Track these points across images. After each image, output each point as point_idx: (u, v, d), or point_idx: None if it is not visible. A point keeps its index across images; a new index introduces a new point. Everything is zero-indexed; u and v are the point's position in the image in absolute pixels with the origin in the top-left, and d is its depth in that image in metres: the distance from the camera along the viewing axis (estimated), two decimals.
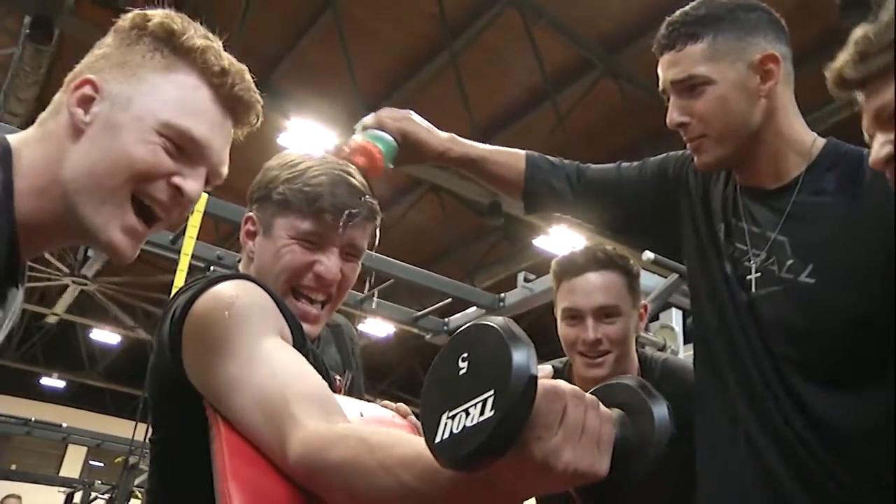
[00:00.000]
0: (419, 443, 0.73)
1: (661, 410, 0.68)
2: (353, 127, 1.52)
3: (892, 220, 1.19)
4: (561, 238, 8.19)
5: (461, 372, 0.65)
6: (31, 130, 0.94)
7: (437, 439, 0.65)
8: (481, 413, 0.61)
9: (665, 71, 1.39)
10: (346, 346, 1.44)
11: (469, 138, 1.70)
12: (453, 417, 0.63)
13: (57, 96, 0.94)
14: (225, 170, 0.99)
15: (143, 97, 0.91)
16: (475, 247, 9.88)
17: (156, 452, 1.11)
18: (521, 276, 3.68)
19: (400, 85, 8.01)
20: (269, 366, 0.94)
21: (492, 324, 0.65)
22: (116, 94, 0.91)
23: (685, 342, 3.35)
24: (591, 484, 0.67)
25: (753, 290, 1.35)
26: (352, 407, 1.02)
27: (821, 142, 1.38)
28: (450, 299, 4.09)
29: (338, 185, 1.19)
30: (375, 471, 0.78)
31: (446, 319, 4.36)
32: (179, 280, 2.99)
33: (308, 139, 6.97)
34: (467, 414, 0.62)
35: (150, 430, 1.15)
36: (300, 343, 1.07)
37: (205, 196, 3.12)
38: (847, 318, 1.24)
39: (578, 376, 1.76)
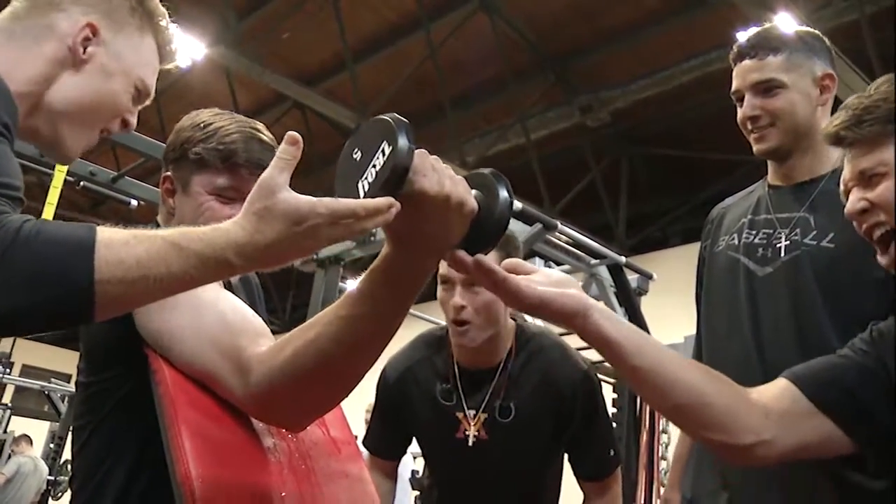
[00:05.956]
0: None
1: (502, 190, 0.92)
2: None
3: None
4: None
5: (358, 158, 0.87)
6: None
7: (362, 196, 0.84)
8: (383, 156, 0.83)
9: (746, 74, 1.69)
10: (253, 293, 1.55)
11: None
12: (365, 178, 0.84)
13: (25, 9, 1.08)
14: None
15: (130, 54, 1.12)
16: (335, 167, 9.83)
17: (90, 392, 1.18)
18: None
19: None
20: (216, 310, 1.08)
21: (365, 121, 0.89)
22: (108, 43, 1.09)
23: None
24: (464, 242, 0.92)
25: (783, 254, 1.62)
26: None
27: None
28: None
29: (250, 142, 1.29)
30: (318, 335, 0.95)
31: None
32: (53, 196, 2.90)
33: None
34: (374, 167, 0.84)
35: (84, 372, 1.20)
36: (227, 289, 1.20)
37: None
38: (860, 277, 1.53)
39: (452, 342, 1.95)
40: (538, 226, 3.46)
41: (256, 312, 1.52)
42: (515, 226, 3.50)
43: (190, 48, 6.75)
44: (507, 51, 7.88)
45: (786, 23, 5.78)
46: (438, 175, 0.86)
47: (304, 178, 10.43)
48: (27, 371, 13.44)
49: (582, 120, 8.46)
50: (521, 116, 8.47)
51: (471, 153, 8.92)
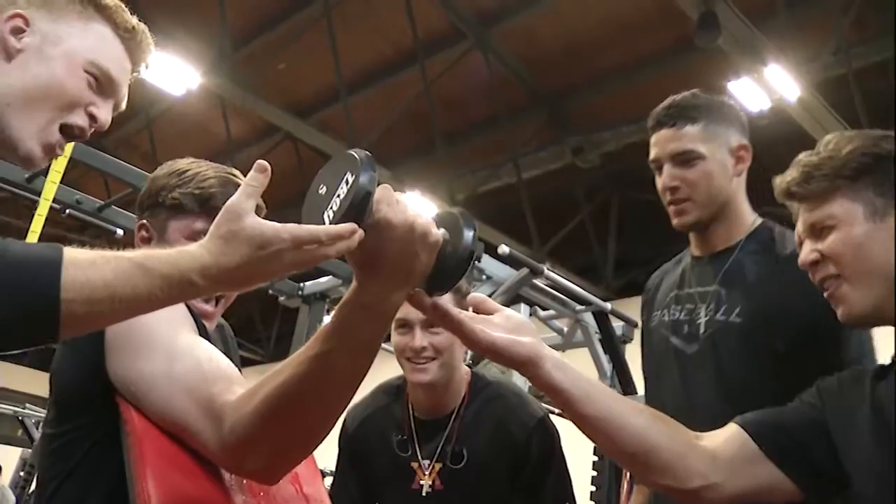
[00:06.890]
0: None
1: (468, 229, 0.93)
2: None
3: (802, 287, 1.42)
4: (411, 201, 8.34)
5: (323, 192, 0.88)
6: None
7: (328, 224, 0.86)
8: (347, 185, 0.84)
9: (665, 143, 1.68)
10: (229, 345, 1.53)
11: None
12: (330, 207, 0.85)
13: None
14: (124, 104, 1.19)
15: (72, 38, 1.09)
16: None
17: (57, 444, 1.14)
18: None
19: (271, 28, 7.80)
20: (192, 357, 1.06)
21: (331, 159, 0.91)
22: (46, 31, 1.07)
23: None
24: (429, 278, 0.92)
25: (702, 331, 1.63)
26: None
27: (759, 220, 1.72)
28: None
29: (227, 186, 1.28)
30: (289, 376, 0.93)
31: (302, 284, 4.44)
32: (37, 224, 2.87)
33: (170, 76, 6.70)
34: (338, 196, 0.85)
35: (52, 423, 1.17)
36: (204, 338, 1.17)
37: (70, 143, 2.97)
38: (766, 349, 1.54)
39: (408, 381, 1.93)
40: (525, 270, 3.46)
41: (231, 362, 1.49)
42: (502, 270, 3.51)
43: (185, 76, 6.76)
44: (501, 88, 7.97)
45: (776, 74, 5.87)
46: (402, 205, 0.87)
47: (295, 209, 10.40)
48: (2, 394, 13.20)
49: (573, 161, 8.52)
50: (513, 155, 8.52)
51: (461, 190, 8.95)
